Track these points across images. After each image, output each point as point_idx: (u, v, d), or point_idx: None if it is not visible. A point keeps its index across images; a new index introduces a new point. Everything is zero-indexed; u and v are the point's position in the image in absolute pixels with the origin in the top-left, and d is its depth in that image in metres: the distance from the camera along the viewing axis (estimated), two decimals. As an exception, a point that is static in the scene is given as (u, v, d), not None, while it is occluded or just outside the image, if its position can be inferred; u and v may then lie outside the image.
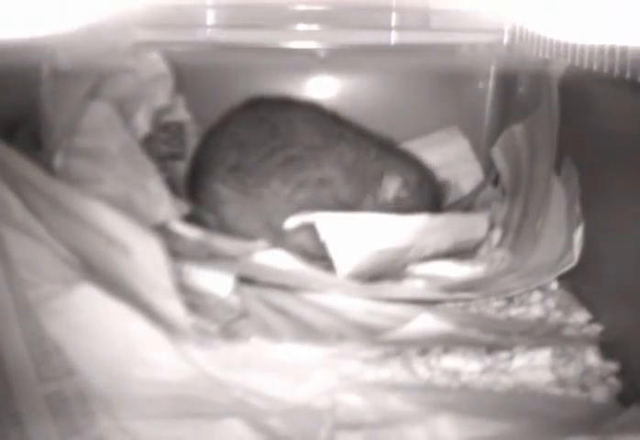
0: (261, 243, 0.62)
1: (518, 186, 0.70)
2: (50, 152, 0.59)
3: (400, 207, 0.65)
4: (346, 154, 0.66)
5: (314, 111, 0.70)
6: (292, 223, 0.63)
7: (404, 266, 0.64)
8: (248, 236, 0.64)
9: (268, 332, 0.52)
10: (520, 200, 0.68)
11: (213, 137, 0.71)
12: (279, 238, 0.64)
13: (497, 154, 0.75)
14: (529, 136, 0.70)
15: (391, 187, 0.65)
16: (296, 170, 0.66)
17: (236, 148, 0.68)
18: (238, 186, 0.66)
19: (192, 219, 0.63)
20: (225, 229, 0.65)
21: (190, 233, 0.61)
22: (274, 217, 0.65)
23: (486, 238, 0.68)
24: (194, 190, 0.69)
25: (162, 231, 0.57)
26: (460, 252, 0.67)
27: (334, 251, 0.60)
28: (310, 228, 0.61)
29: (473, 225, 0.67)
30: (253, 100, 0.72)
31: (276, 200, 0.65)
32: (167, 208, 0.60)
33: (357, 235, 0.60)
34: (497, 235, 0.68)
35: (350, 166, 0.66)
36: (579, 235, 0.57)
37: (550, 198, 0.62)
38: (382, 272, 0.62)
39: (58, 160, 0.59)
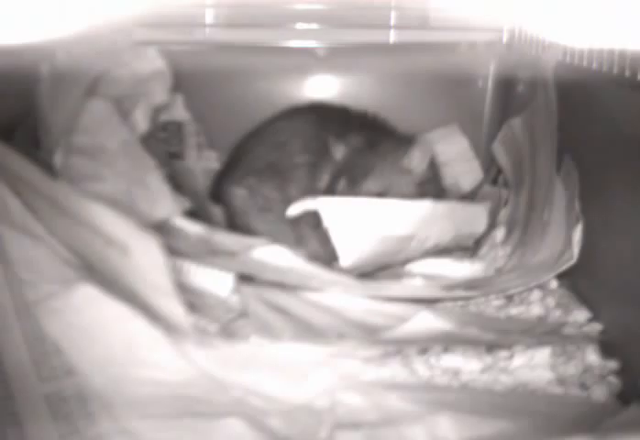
0: (262, 239, 0.62)
1: (521, 180, 0.69)
2: (50, 151, 0.59)
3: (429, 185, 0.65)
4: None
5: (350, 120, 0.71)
6: (294, 210, 0.62)
7: (405, 261, 0.63)
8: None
9: (267, 331, 0.52)
10: (524, 194, 0.68)
11: (252, 143, 0.73)
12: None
13: (498, 149, 0.75)
14: (528, 128, 0.70)
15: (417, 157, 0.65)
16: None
17: (272, 156, 0.71)
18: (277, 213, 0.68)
19: (193, 214, 0.63)
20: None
21: (191, 228, 0.61)
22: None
23: (487, 237, 0.68)
24: (222, 192, 0.72)
25: (163, 227, 0.57)
26: (461, 249, 0.66)
27: (336, 238, 0.59)
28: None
29: (474, 217, 0.66)
30: (295, 108, 0.74)
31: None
32: (168, 204, 0.60)
33: (360, 220, 0.59)
34: (500, 233, 0.68)
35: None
36: (578, 233, 0.57)
37: (552, 194, 0.62)
38: (383, 264, 0.62)
39: (57, 159, 0.59)
